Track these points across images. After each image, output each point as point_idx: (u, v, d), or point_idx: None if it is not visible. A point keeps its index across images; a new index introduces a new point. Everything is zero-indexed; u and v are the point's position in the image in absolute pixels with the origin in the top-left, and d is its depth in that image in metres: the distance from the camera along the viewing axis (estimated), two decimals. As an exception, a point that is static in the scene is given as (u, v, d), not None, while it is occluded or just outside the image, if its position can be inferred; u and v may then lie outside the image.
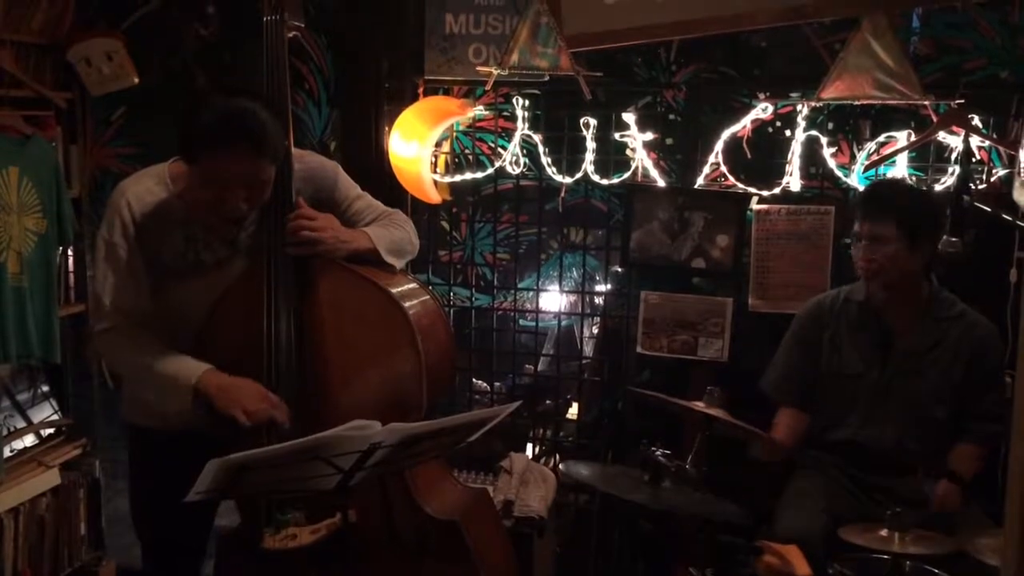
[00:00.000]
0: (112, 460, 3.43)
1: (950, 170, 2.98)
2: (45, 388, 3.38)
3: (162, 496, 2.00)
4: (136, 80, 3.30)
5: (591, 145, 3.24)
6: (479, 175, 3.42)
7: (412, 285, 2.29)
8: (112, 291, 2.14)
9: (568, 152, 3.33)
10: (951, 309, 2.67)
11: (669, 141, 3.32)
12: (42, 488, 3.19)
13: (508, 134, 3.36)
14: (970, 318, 2.67)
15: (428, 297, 2.31)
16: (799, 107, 3.06)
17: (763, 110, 3.12)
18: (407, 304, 2.15)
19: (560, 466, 3.42)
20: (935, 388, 2.63)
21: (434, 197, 3.42)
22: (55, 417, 3.39)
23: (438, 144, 3.45)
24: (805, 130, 3.06)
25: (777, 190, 3.12)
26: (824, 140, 3.07)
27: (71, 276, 3.36)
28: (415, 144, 3.32)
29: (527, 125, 3.30)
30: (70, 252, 3.34)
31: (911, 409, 2.64)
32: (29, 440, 3.29)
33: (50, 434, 3.37)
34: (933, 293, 2.68)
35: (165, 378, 2.08)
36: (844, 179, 3.09)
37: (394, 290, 2.16)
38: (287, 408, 2.06)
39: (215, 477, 1.71)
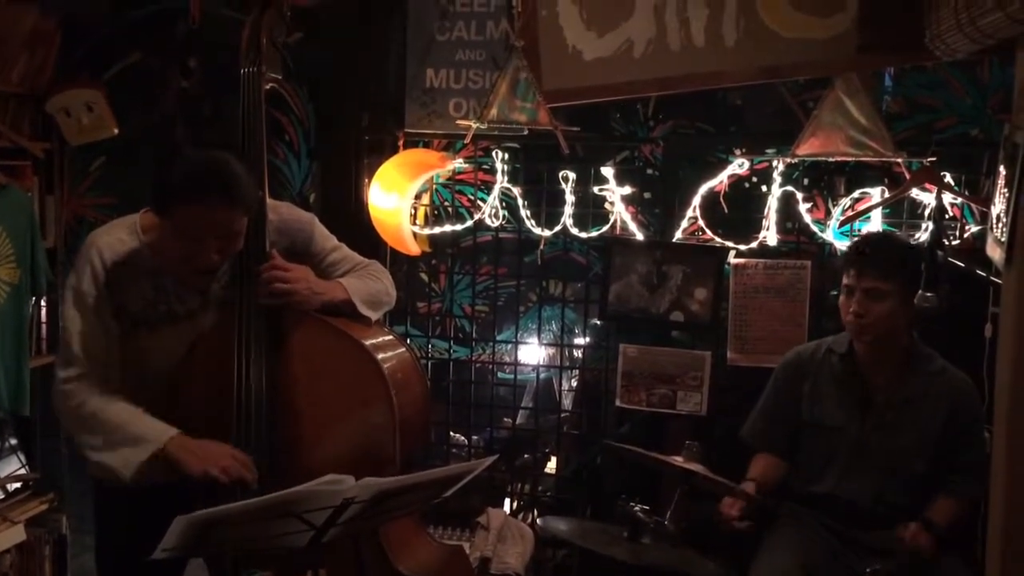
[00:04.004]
0: (80, 515, 3.36)
1: (923, 226, 3.02)
2: (13, 441, 3.31)
3: (129, 553, 1.94)
4: (116, 131, 3.30)
5: (570, 198, 3.26)
6: (458, 227, 3.43)
7: (387, 337, 2.27)
8: (80, 339, 2.11)
9: (547, 205, 3.35)
10: (931, 364, 2.68)
11: (647, 195, 3.34)
12: (6, 544, 3.12)
13: (487, 187, 3.37)
14: (950, 373, 2.67)
15: (403, 349, 2.28)
16: (775, 163, 3.09)
17: (740, 165, 3.15)
18: (381, 356, 2.13)
19: (538, 521, 3.37)
20: (915, 443, 2.62)
21: (413, 249, 3.43)
22: (22, 471, 3.32)
23: (418, 196, 3.47)
24: (781, 185, 3.10)
25: (754, 244, 3.15)
26: (800, 195, 3.10)
27: (43, 327, 3.32)
28: (395, 196, 3.33)
29: (506, 178, 3.32)
30: (43, 302, 3.30)
31: (890, 463, 2.62)
32: (-6, 495, 3.23)
33: (16, 488, 3.30)
34: (913, 348, 2.69)
35: (131, 437, 2.04)
36: (820, 234, 3.12)
37: (368, 342, 2.14)
38: (254, 467, 2.02)
39: (182, 534, 1.66)
